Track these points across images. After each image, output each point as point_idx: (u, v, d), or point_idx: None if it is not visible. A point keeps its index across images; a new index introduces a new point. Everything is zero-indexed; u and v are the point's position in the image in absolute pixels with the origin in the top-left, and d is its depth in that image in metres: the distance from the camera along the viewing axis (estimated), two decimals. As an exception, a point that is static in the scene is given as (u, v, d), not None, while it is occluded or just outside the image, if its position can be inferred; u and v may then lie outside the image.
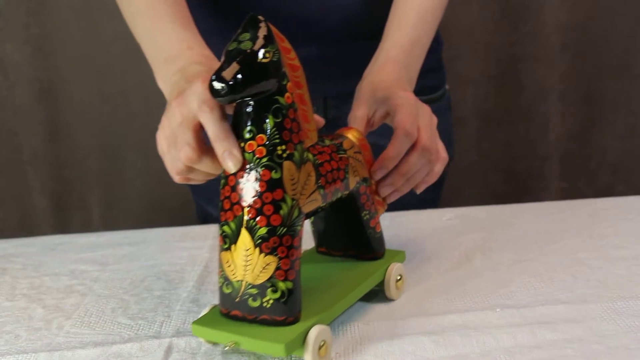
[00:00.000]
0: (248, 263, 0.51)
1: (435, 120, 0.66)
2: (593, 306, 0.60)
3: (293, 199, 0.52)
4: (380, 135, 0.71)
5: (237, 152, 0.51)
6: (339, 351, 0.55)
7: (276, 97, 0.51)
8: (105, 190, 1.64)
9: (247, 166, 0.51)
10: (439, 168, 0.66)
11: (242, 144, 0.51)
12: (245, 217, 0.51)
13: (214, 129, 0.51)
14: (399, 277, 0.63)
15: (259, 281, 0.51)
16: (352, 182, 0.60)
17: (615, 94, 1.65)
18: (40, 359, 0.56)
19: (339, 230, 0.65)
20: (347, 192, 0.59)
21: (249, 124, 0.51)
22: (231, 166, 0.51)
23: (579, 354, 0.53)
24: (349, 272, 0.62)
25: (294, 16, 0.83)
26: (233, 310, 0.53)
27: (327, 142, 0.59)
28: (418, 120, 0.63)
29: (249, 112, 0.51)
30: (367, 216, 0.62)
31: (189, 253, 0.78)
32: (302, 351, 0.52)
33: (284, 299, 0.52)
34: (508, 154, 1.68)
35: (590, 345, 0.54)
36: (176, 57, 0.63)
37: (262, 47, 0.50)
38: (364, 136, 0.64)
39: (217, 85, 0.49)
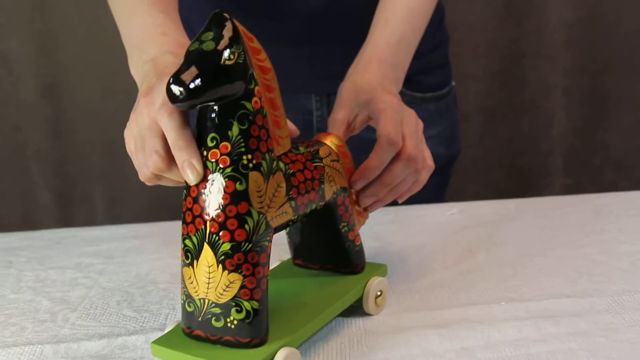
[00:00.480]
0: (211, 280, 0.48)
1: (421, 125, 0.63)
2: (597, 300, 0.61)
3: (260, 213, 0.48)
4: (371, 129, 0.70)
5: (197, 163, 0.47)
6: (344, 343, 0.55)
7: (242, 102, 0.47)
8: (109, 186, 1.65)
9: (210, 176, 0.47)
10: (424, 176, 0.63)
11: (205, 152, 0.47)
12: (208, 231, 0.47)
13: (173, 137, 0.48)
14: (379, 293, 0.59)
15: (223, 300, 0.48)
16: (329, 192, 0.55)
17: (619, 90, 1.65)
18: (46, 350, 0.56)
19: (316, 242, 0.61)
20: (322, 203, 0.55)
21: (212, 130, 0.47)
22: (191, 178, 0.47)
23: (583, 347, 0.53)
24: (324, 288, 0.58)
25: (300, 12, 0.83)
26: (196, 330, 0.50)
27: (302, 149, 0.55)
28: (403, 126, 0.60)
29: (212, 118, 0.47)
30: (346, 228, 0.59)
31: (193, 247, 0.78)
32: None
33: (249, 320, 0.48)
34: (512, 150, 1.68)
35: (595, 338, 0.54)
36: (148, 43, 0.58)
37: (227, 47, 0.46)
38: (344, 142, 0.60)
39: (175, 89, 0.44)
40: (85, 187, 1.64)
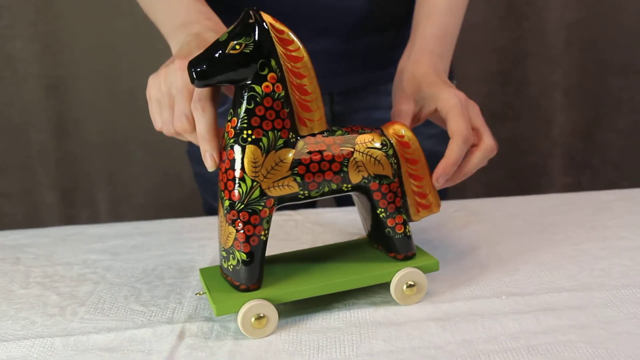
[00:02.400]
0: (221, 228, 0.58)
1: (481, 115, 0.66)
2: (597, 294, 0.62)
3: (254, 180, 0.55)
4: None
5: (215, 155, 0.56)
6: (344, 334, 0.56)
7: (253, 85, 0.55)
8: (112, 186, 1.66)
9: (225, 144, 0.56)
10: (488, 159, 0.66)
11: (227, 124, 0.57)
12: (219, 189, 0.57)
13: (201, 129, 0.56)
14: (411, 283, 0.60)
15: (227, 246, 0.57)
16: (355, 177, 0.59)
17: (619, 91, 1.66)
18: (56, 343, 0.58)
19: (369, 223, 0.65)
20: (348, 186, 0.59)
21: (231, 106, 0.56)
22: (209, 165, 0.57)
23: (582, 339, 0.54)
24: (353, 265, 0.62)
25: (298, 11, 0.84)
26: (221, 268, 0.60)
27: (339, 133, 0.59)
28: (473, 119, 0.63)
29: (234, 97, 0.56)
30: (384, 214, 0.61)
31: (198, 243, 0.79)
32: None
33: (239, 267, 0.57)
34: (512, 150, 1.69)
35: (594, 330, 0.55)
36: (194, 22, 0.65)
37: (234, 38, 0.54)
38: (409, 132, 0.61)
39: (189, 71, 0.54)
40: (89, 187, 1.66)
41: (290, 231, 0.82)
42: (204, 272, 0.63)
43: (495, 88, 1.64)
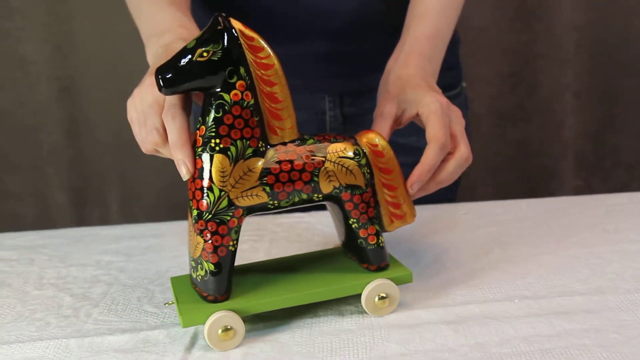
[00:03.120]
0: (190, 238, 0.57)
1: (464, 122, 0.65)
2: (610, 297, 0.61)
3: (221, 190, 0.54)
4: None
5: (189, 162, 0.55)
6: (357, 337, 0.56)
7: (221, 93, 0.54)
8: (123, 187, 1.67)
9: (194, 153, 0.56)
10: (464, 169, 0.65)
11: (196, 131, 0.56)
12: (188, 198, 0.57)
13: (172, 138, 0.55)
14: (382, 296, 0.59)
15: (195, 256, 0.57)
16: (326, 187, 0.58)
17: (630, 93, 1.65)
18: (71, 344, 0.58)
19: (342, 233, 0.64)
20: (319, 196, 0.58)
21: (199, 115, 0.56)
22: (183, 173, 0.55)
23: (596, 343, 0.54)
24: (326, 275, 0.61)
25: (306, 13, 0.84)
26: (191, 276, 0.60)
27: (310, 142, 0.58)
28: (452, 126, 0.63)
29: (203, 104, 0.56)
30: (355, 225, 0.60)
31: (210, 245, 0.80)
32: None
33: (207, 278, 0.56)
34: (522, 153, 1.68)
35: (608, 334, 0.55)
36: (165, 32, 0.64)
37: (201, 45, 0.53)
38: (383, 141, 0.60)
39: (157, 79, 0.53)
40: (100, 187, 1.66)
41: (302, 233, 0.82)
42: (175, 280, 0.62)
43: (505, 90, 1.64)
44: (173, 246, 0.80)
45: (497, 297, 0.63)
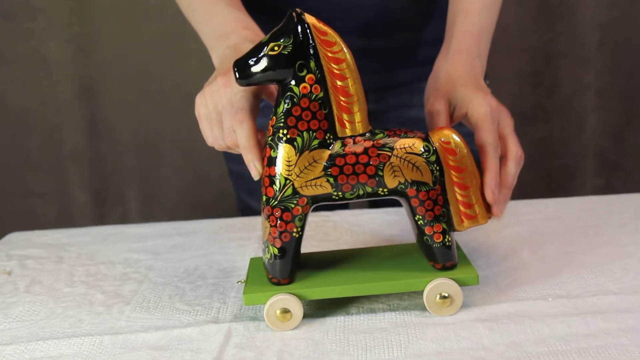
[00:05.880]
0: (262, 221, 0.60)
1: (512, 122, 0.66)
2: (645, 297, 0.61)
3: (287, 179, 0.57)
4: None
5: (258, 164, 0.58)
6: (392, 335, 0.56)
7: (291, 85, 0.56)
8: (143, 186, 1.67)
9: (265, 142, 0.58)
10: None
11: (269, 121, 0.58)
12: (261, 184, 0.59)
13: (242, 141, 0.58)
14: (444, 295, 0.59)
15: (264, 239, 0.60)
16: (391, 181, 0.58)
17: (652, 92, 1.64)
18: (105, 341, 0.58)
19: (414, 228, 0.63)
20: (384, 190, 0.58)
21: (273, 106, 0.58)
22: (253, 174, 0.58)
23: (633, 343, 0.53)
24: (394, 269, 0.61)
25: (331, 8, 0.84)
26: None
27: (380, 135, 0.58)
28: (502, 127, 0.63)
29: (277, 96, 0.58)
30: (421, 221, 0.59)
31: (237, 243, 0.80)
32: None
33: (272, 261, 0.59)
34: (543, 152, 1.67)
35: (645, 334, 0.54)
36: (231, 33, 0.66)
37: (273, 40, 0.55)
38: (457, 139, 0.59)
39: (233, 70, 0.56)
40: (120, 186, 1.67)
41: (329, 232, 0.82)
42: (253, 261, 0.66)
43: (527, 89, 1.63)
44: (199, 244, 0.80)
45: (531, 296, 0.62)
